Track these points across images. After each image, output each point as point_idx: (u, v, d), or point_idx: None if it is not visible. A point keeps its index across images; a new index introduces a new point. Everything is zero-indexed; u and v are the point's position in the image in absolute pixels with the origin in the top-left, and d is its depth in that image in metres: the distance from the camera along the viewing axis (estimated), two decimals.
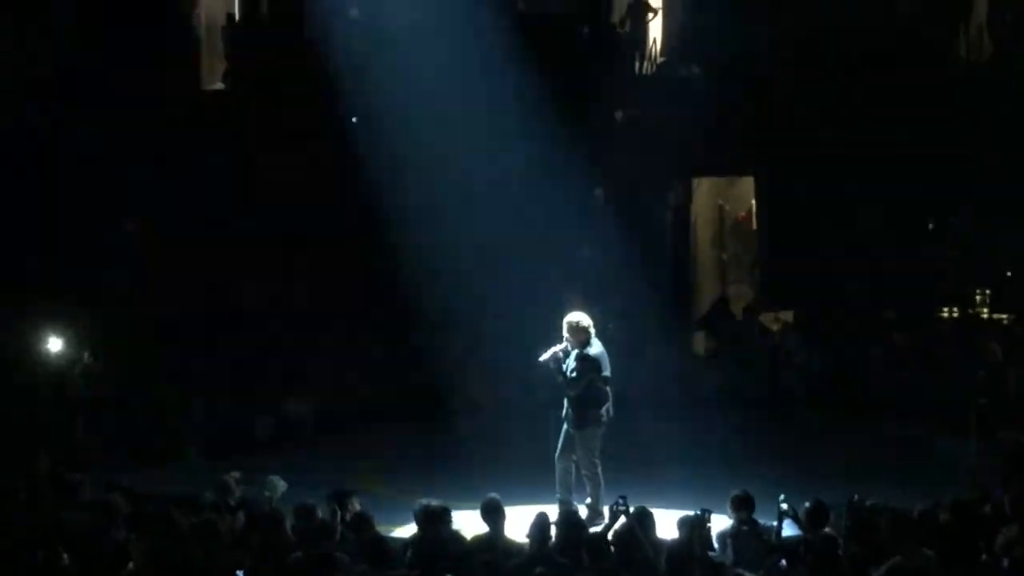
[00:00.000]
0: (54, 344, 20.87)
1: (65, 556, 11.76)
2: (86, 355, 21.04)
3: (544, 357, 15.65)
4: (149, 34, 25.44)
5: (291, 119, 24.29)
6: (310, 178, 23.52)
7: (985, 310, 23.29)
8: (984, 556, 11.52)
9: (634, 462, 16.40)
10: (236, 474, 14.59)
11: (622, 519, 12.12)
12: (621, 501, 12.06)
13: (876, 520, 11.94)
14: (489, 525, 12.65)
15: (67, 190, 22.80)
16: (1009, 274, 22.99)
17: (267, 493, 14.43)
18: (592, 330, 15.60)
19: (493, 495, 12.92)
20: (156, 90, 25.03)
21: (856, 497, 12.34)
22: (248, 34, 27.43)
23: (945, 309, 23.38)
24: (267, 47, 26.63)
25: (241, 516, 13.30)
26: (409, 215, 21.68)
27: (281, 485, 14.68)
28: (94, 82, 23.64)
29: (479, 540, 12.38)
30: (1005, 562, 11.24)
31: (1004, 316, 22.94)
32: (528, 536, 12.08)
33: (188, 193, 23.68)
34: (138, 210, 23.97)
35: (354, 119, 23.82)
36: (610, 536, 12.22)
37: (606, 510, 14.81)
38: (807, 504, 12.32)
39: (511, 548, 12.27)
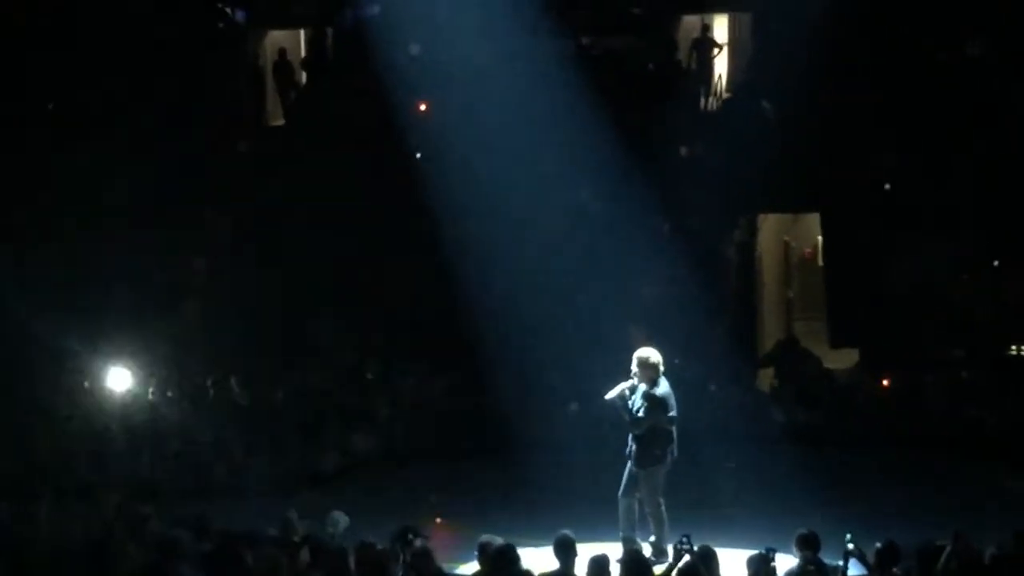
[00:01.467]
0: (123, 378, 21.07)
1: None
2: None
3: (611, 395, 15.63)
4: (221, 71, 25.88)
5: (353, 154, 24.45)
6: (374, 217, 23.54)
7: None
8: None
9: (698, 500, 16.39)
10: (294, 512, 14.69)
11: (686, 558, 12.09)
12: (685, 540, 12.01)
13: (932, 559, 11.94)
14: (561, 561, 12.63)
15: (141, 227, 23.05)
16: None
17: (330, 529, 14.48)
18: (661, 367, 15.59)
19: (566, 531, 12.90)
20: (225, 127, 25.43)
21: (926, 538, 12.33)
22: (314, 71, 27.70)
23: (1014, 347, 23.17)
24: (331, 83, 26.89)
25: (306, 552, 13.33)
26: (474, 253, 21.74)
27: (343, 520, 14.71)
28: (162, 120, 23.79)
29: (550, 574, 12.41)
30: None
31: None
32: (588, 574, 12.11)
33: (253, 230, 23.88)
34: (205, 248, 24.15)
35: (418, 155, 23.82)
36: (674, 575, 12.23)
37: (670, 548, 14.84)
38: (878, 544, 12.28)
39: None
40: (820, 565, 12.51)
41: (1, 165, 21.77)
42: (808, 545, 12.58)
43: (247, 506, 17.47)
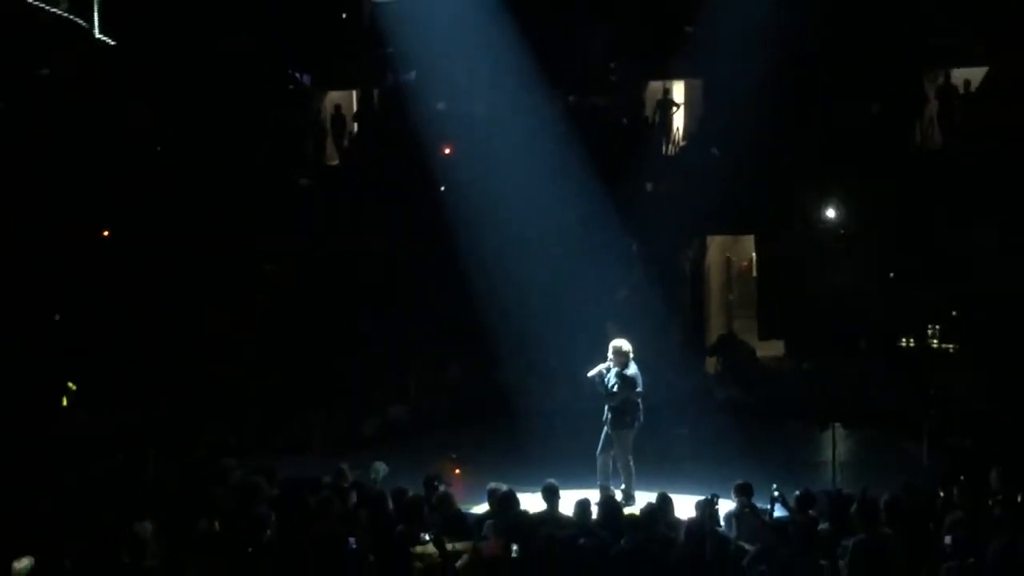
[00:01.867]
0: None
1: (217, 524, 11.99)
2: None
3: (591, 373, 15.88)
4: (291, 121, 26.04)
5: (393, 186, 24.56)
6: (408, 235, 23.69)
7: (935, 341, 23.19)
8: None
9: (658, 457, 16.53)
10: (346, 465, 14.80)
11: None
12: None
13: (849, 505, 12.04)
14: (548, 504, 12.82)
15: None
16: (954, 313, 22.88)
17: (372, 476, 14.61)
18: (631, 354, 15.80)
19: (551, 480, 13.09)
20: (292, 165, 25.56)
21: (835, 487, 12.50)
22: (362, 121, 27.77)
23: (903, 340, 23.25)
24: (376, 132, 26.98)
25: (353, 495, 13.43)
26: (486, 263, 21.79)
27: (383, 469, 14.85)
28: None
29: (539, 516, 12.54)
30: (948, 539, 11.31)
31: (950, 346, 22.90)
32: (574, 514, 12.26)
33: (313, 244, 23.98)
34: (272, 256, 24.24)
35: (443, 188, 23.90)
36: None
37: (637, 495, 15.04)
38: (796, 492, 12.47)
39: (563, 522, 12.41)
40: (753, 508, 12.65)
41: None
42: (744, 492, 12.73)
43: (309, 460, 17.59)
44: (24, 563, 10.05)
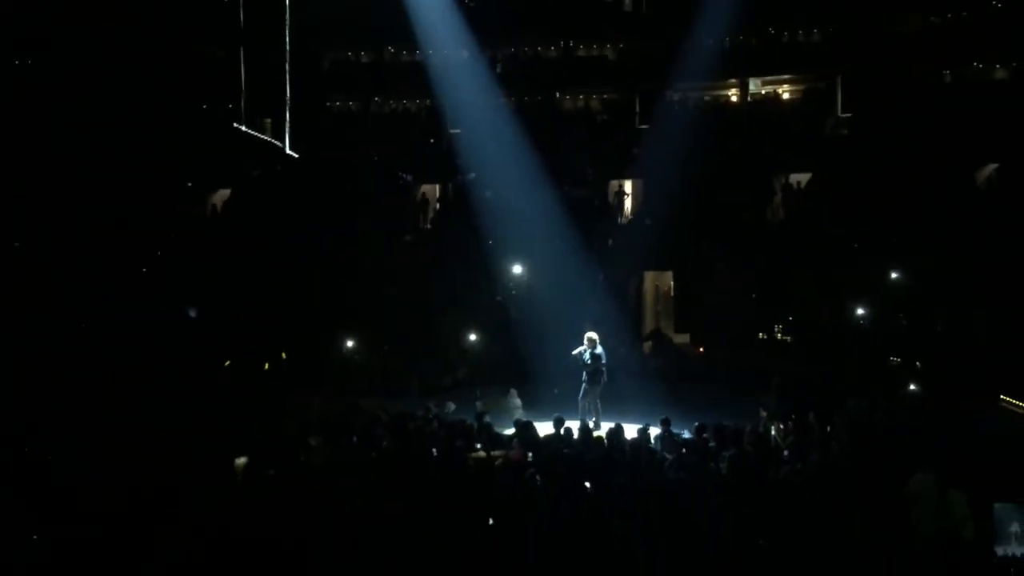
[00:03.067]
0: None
1: (354, 439, 11.97)
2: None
3: (574, 352, 15.93)
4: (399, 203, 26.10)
5: (459, 239, 24.45)
6: (463, 269, 23.52)
7: (779, 335, 23.07)
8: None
9: (613, 402, 16.49)
10: (431, 403, 14.81)
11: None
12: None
13: (725, 432, 12.05)
14: (556, 428, 12.83)
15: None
16: (791, 319, 22.75)
17: (446, 410, 14.63)
18: (598, 341, 15.81)
19: (559, 414, 13.12)
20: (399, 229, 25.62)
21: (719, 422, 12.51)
22: (442, 202, 27.87)
23: (761, 333, 23.08)
24: (449, 208, 27.05)
25: (435, 423, 13.45)
26: (513, 285, 21.76)
27: (452, 406, 14.89)
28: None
29: (549, 437, 12.55)
30: (785, 453, 11.30)
31: (788, 338, 22.76)
32: (563, 435, 12.28)
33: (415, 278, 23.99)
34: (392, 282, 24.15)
35: (490, 241, 23.88)
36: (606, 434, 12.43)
37: (603, 424, 15.01)
38: (695, 424, 12.49)
39: (559, 439, 12.43)
40: (671, 433, 12.64)
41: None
42: (666, 423, 12.74)
43: (409, 401, 17.52)
44: (241, 460, 10.07)
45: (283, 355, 19.62)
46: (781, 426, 12.91)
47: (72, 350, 12.58)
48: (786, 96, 27.76)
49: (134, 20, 18.13)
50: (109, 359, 12.94)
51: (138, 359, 13.91)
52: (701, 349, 22.94)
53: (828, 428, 12.82)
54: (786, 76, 27.25)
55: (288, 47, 17.82)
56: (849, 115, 25.62)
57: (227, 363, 18.35)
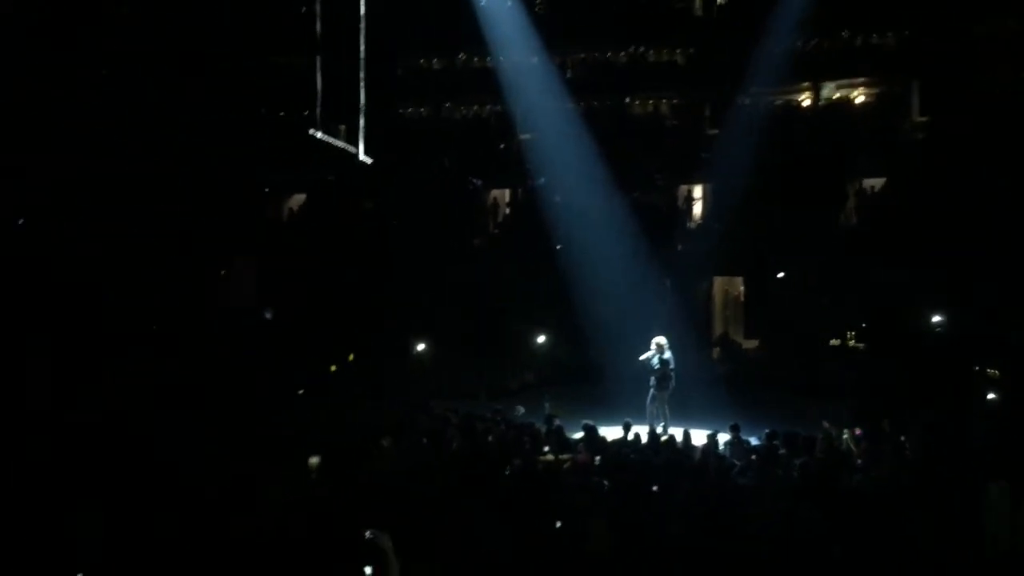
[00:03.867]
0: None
1: (424, 440, 12.08)
2: None
3: (642, 358, 15.86)
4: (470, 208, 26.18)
5: (531, 240, 24.44)
6: (538, 273, 23.46)
7: (852, 342, 22.57)
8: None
9: (682, 407, 16.39)
10: (500, 406, 14.87)
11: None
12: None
13: (796, 439, 11.90)
14: (624, 431, 12.82)
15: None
16: (864, 325, 22.26)
17: (514, 414, 14.67)
18: (666, 345, 15.73)
19: (627, 419, 13.10)
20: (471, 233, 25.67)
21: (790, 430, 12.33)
22: (512, 207, 27.90)
23: (833, 339, 22.60)
24: (520, 212, 27.10)
25: (503, 425, 13.52)
26: (585, 290, 21.63)
27: (520, 409, 14.95)
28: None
29: (616, 442, 12.55)
30: (859, 461, 11.12)
31: (861, 344, 22.27)
32: (631, 439, 12.26)
33: (481, 274, 23.93)
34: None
35: (559, 245, 23.77)
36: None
37: (670, 430, 14.92)
38: (766, 431, 12.34)
39: (627, 444, 12.40)
40: (740, 438, 12.52)
41: None
42: (735, 429, 12.63)
43: (477, 404, 17.62)
44: (315, 460, 10.22)
45: (350, 357, 19.87)
46: (855, 432, 12.68)
47: (155, 349, 12.98)
48: (860, 100, 27.21)
49: (216, 35, 18.61)
50: (191, 358, 13.31)
51: (216, 358, 14.26)
52: (772, 356, 22.56)
53: (902, 436, 12.56)
54: (860, 79, 26.71)
55: (363, 55, 18.07)
56: (926, 119, 25.02)
57: (334, 365, 18.57)
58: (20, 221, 15.86)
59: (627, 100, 28.68)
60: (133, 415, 10.52)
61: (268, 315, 19.07)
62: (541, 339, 22.85)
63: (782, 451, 11.56)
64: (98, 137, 16.80)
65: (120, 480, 8.74)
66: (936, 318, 20.93)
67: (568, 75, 27.77)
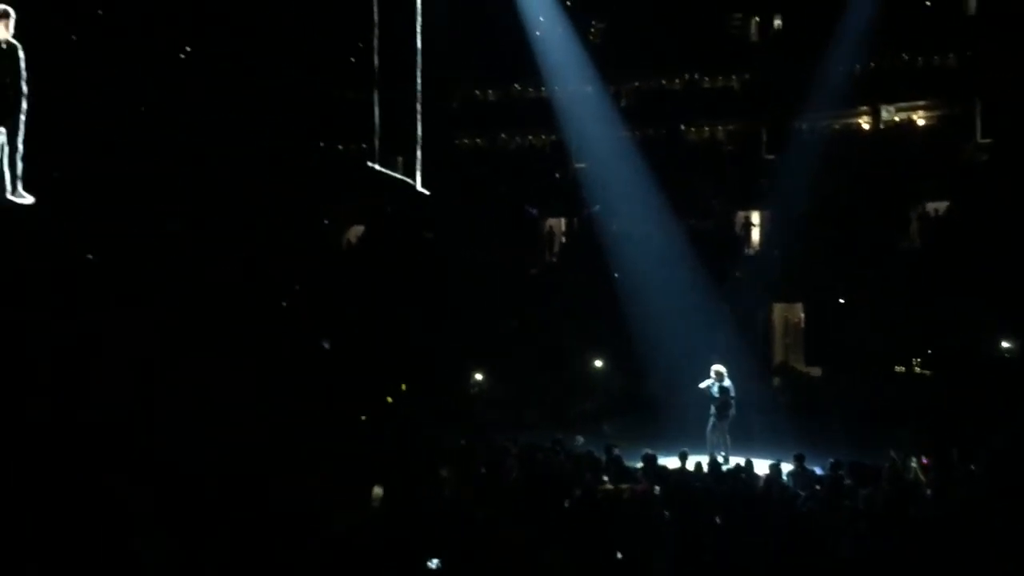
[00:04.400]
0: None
1: (483, 469, 12.05)
2: None
3: (702, 385, 15.73)
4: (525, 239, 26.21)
5: (587, 274, 24.30)
6: (594, 302, 23.38)
7: (917, 368, 22.10)
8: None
9: (743, 436, 16.20)
10: (559, 436, 14.79)
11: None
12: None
13: (861, 469, 11.68)
14: (681, 461, 12.70)
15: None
16: (930, 351, 21.76)
17: (575, 444, 14.60)
18: (725, 374, 15.58)
19: (684, 449, 12.97)
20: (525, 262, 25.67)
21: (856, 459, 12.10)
22: (567, 235, 27.92)
23: (898, 366, 22.10)
24: (575, 240, 27.09)
25: (562, 455, 13.46)
26: (644, 320, 21.47)
27: (580, 439, 14.86)
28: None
29: (674, 470, 12.42)
30: (928, 492, 10.90)
31: (927, 371, 21.78)
32: (692, 469, 12.13)
33: (539, 304, 23.93)
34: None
35: (616, 274, 23.61)
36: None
37: (731, 459, 14.73)
38: (831, 460, 12.11)
39: (688, 473, 12.28)
40: (804, 468, 12.33)
41: None
42: (799, 459, 12.43)
43: (536, 433, 17.51)
44: (378, 490, 10.26)
45: (403, 387, 19.94)
46: (923, 461, 12.39)
47: (221, 377, 13.20)
48: (921, 122, 26.83)
49: (276, 71, 19.03)
50: (254, 387, 13.51)
51: (280, 388, 14.46)
52: (832, 382, 22.13)
53: (971, 464, 12.24)
54: (921, 102, 26.34)
55: (419, 88, 18.30)
56: (989, 140, 24.55)
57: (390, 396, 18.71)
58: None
59: (682, 127, 28.64)
60: (196, 441, 10.68)
61: (327, 345, 19.27)
62: (599, 368, 22.74)
63: (847, 481, 11.34)
64: (155, 170, 17.22)
65: (185, 504, 8.89)
66: (1003, 343, 20.41)
67: (623, 103, 27.85)
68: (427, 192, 19.13)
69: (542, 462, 12.66)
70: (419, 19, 18.11)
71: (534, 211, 27.65)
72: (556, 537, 9.51)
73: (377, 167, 18.16)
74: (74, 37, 13.93)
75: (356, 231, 27.65)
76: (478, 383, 21.40)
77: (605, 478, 12.03)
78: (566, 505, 10.56)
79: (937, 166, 24.31)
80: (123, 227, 15.79)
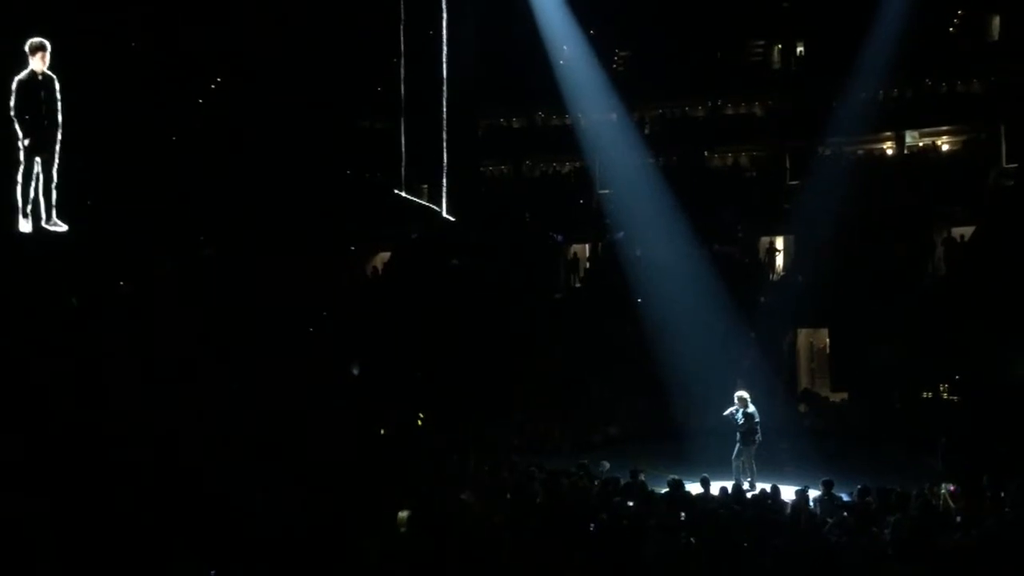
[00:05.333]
0: None
1: (508, 495, 12.02)
2: None
3: (725, 413, 15.63)
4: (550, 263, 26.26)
5: (610, 298, 24.29)
6: (618, 326, 23.37)
7: (945, 393, 21.81)
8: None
9: (769, 462, 16.06)
10: (585, 461, 14.72)
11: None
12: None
13: (889, 495, 11.56)
14: (703, 487, 12.61)
15: None
16: (957, 377, 21.47)
17: (600, 468, 14.49)
18: (748, 399, 15.50)
19: (705, 474, 12.89)
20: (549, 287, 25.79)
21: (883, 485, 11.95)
22: (591, 260, 27.91)
23: (925, 392, 21.81)
24: (599, 264, 27.00)
25: (587, 479, 13.38)
26: (666, 344, 21.36)
27: (606, 464, 14.74)
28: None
29: (698, 495, 12.33)
30: (959, 518, 10.76)
31: (955, 398, 21.49)
32: (718, 495, 12.04)
33: (562, 328, 23.89)
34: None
35: (639, 299, 23.60)
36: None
37: (758, 485, 14.58)
38: (858, 486, 11.98)
39: (713, 499, 12.19)
40: (831, 494, 12.21)
41: None
42: (827, 485, 12.29)
43: (560, 459, 17.43)
44: (404, 514, 10.25)
45: (422, 415, 19.88)
46: (951, 488, 12.21)
47: (249, 400, 13.29)
48: (945, 147, 26.72)
49: (305, 101, 19.27)
50: (280, 412, 13.57)
51: (305, 413, 14.51)
52: (859, 407, 21.89)
53: (1001, 491, 12.06)
54: (945, 127, 26.25)
55: (445, 116, 18.48)
56: (1015, 165, 24.39)
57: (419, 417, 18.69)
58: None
59: (705, 153, 28.67)
60: (224, 467, 10.75)
61: (356, 371, 19.33)
62: (623, 394, 22.64)
63: (875, 507, 11.21)
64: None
65: (214, 531, 8.94)
66: None
67: (646, 130, 27.94)
68: (453, 219, 19.27)
69: (568, 487, 12.60)
70: (444, 49, 18.32)
71: (559, 237, 27.71)
72: (582, 562, 9.46)
73: (403, 194, 18.28)
74: (107, 69, 14.17)
75: (382, 258, 27.81)
76: (503, 408, 21.28)
77: (630, 503, 11.97)
78: (591, 529, 10.50)
79: (962, 191, 24.18)
80: (155, 254, 15.99)
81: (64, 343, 11.74)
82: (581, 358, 22.93)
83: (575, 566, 9.35)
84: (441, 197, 19.22)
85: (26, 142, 10.06)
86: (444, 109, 18.32)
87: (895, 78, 24.52)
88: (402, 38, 17.90)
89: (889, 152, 26.96)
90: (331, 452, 12.37)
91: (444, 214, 19.13)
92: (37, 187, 10.20)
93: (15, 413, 10.09)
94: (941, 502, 12.05)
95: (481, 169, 29.18)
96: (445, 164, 18.56)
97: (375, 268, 27.60)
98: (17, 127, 10.01)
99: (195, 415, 11.70)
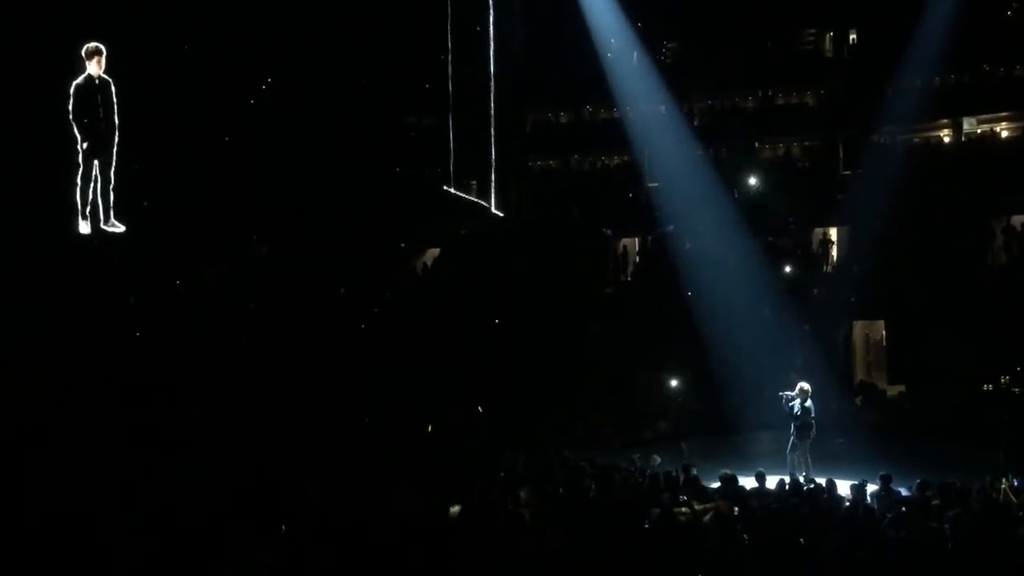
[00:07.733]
0: None
1: (560, 491, 11.98)
2: None
3: (782, 393, 15.59)
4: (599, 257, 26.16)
5: (660, 292, 24.15)
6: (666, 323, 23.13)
7: (1006, 385, 21.26)
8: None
9: (824, 456, 15.86)
10: (635, 455, 14.66)
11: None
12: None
13: (949, 489, 11.35)
14: (758, 482, 12.48)
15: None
16: (1020, 368, 20.97)
17: (651, 463, 14.40)
18: (809, 393, 15.33)
19: (760, 469, 12.76)
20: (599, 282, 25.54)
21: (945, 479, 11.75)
22: (641, 255, 27.79)
23: (986, 384, 21.35)
24: (649, 259, 26.90)
25: (640, 476, 13.32)
26: (719, 337, 21.20)
27: (656, 459, 14.65)
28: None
29: (752, 489, 12.21)
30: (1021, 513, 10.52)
31: (1017, 389, 21.02)
32: (775, 489, 11.91)
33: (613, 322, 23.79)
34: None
35: (689, 292, 23.40)
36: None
37: (813, 479, 14.38)
38: (918, 480, 11.78)
39: (766, 494, 12.07)
40: (889, 491, 12.01)
41: None
42: (885, 479, 12.10)
43: (612, 453, 17.37)
44: (456, 508, 10.30)
45: (479, 409, 19.94)
46: (1014, 482, 11.95)
47: (299, 400, 13.46)
48: (1005, 134, 26.09)
49: (354, 99, 19.43)
50: (332, 408, 13.73)
51: (357, 409, 14.65)
52: (916, 401, 21.51)
53: None
54: (1004, 113, 25.63)
55: (493, 112, 18.49)
56: None
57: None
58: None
59: (756, 144, 28.33)
60: (285, 461, 10.91)
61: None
62: (675, 388, 22.52)
63: (935, 502, 10.99)
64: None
65: (275, 525, 9.08)
66: None
67: (696, 122, 27.68)
68: (501, 214, 19.28)
69: (620, 482, 12.54)
70: (492, 44, 18.34)
71: (609, 231, 27.60)
72: (635, 559, 9.42)
73: (452, 191, 18.33)
74: (161, 71, 14.44)
75: (432, 254, 27.93)
76: (555, 403, 21.21)
77: (683, 498, 11.88)
78: (645, 526, 10.44)
79: (1022, 178, 23.57)
80: (210, 254, 16.25)
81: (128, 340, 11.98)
82: (632, 352, 22.81)
83: (628, 563, 9.30)
84: (490, 193, 19.25)
85: (84, 145, 10.32)
86: (492, 105, 18.34)
87: (951, 64, 23.95)
88: (449, 35, 17.95)
89: (946, 139, 26.40)
90: (387, 448, 12.47)
91: (493, 210, 19.16)
92: (96, 189, 10.44)
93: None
94: (1003, 496, 11.81)
95: (529, 164, 29.14)
96: (493, 160, 18.57)
97: (425, 264, 27.74)
98: (75, 131, 10.26)
99: (255, 408, 11.89)
